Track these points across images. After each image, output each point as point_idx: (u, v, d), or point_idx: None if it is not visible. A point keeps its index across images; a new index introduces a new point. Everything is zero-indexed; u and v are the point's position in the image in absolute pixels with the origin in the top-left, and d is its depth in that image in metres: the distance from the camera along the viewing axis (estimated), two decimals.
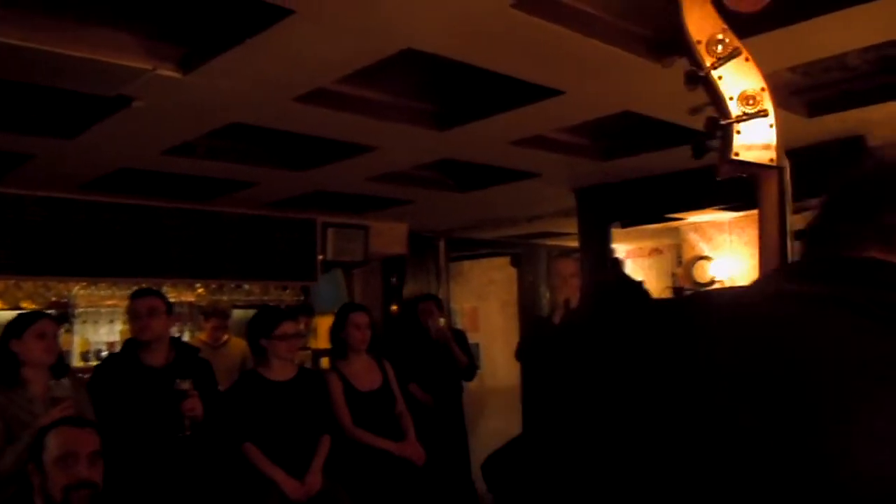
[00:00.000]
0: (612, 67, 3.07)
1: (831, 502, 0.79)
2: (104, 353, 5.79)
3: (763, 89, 1.31)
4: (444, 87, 3.65)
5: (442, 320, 5.65)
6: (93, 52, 2.76)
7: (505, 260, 7.79)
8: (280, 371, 4.07)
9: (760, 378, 0.87)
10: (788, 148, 4.48)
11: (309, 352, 6.31)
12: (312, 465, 3.92)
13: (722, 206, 5.88)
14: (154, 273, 5.44)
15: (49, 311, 5.39)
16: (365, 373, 4.43)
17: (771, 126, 1.30)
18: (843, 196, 1.05)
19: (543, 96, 3.38)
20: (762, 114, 1.29)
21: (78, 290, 5.50)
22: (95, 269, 5.21)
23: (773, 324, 0.91)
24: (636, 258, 7.70)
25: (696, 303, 1.15)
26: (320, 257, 6.15)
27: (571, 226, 5.83)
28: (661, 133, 4.19)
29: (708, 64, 1.29)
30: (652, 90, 3.40)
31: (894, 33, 2.92)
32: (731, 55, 1.30)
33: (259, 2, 2.43)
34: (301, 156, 4.50)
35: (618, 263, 5.73)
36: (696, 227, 6.93)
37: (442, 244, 7.07)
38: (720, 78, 1.29)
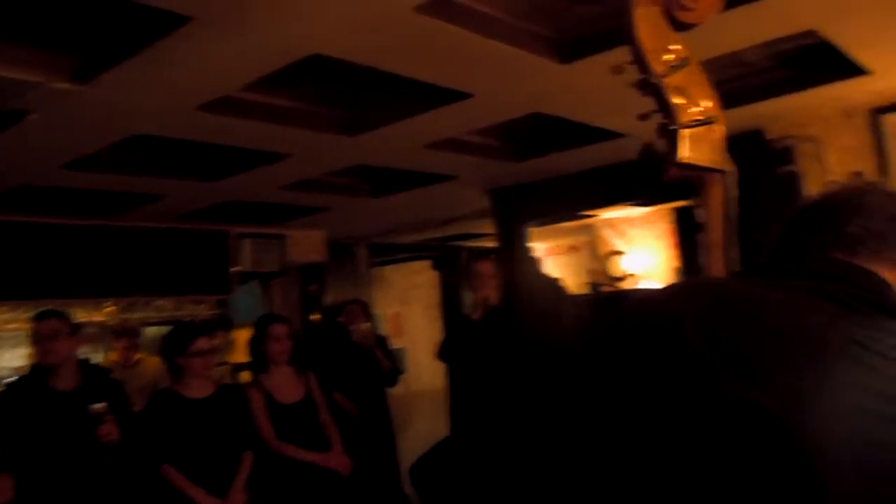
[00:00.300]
0: (520, 70, 3.10)
1: (802, 466, 0.89)
2: (11, 380, 5.53)
3: (709, 97, 1.38)
4: (354, 93, 3.62)
5: (367, 325, 5.61)
6: None
7: (426, 263, 7.80)
8: (197, 388, 3.96)
9: (744, 353, 0.98)
10: None
11: (228, 366, 6.16)
12: (235, 483, 3.83)
13: (633, 202, 6.03)
14: (60, 294, 5.21)
15: None
16: (287, 385, 4.35)
17: (717, 132, 1.37)
18: (809, 213, 1.20)
19: (452, 99, 3.39)
20: (709, 120, 1.36)
21: None
22: None
23: (756, 307, 1.03)
24: (554, 256, 7.81)
25: (679, 293, 1.23)
26: (237, 269, 6.02)
27: (489, 226, 5.87)
28: (572, 133, 4.26)
29: (659, 72, 1.34)
30: (560, 91, 3.45)
31: (786, 29, 3.04)
32: (681, 64, 1.35)
33: (155, 10, 2.35)
34: (210, 166, 4.39)
35: (535, 262, 5.80)
36: (610, 224, 7.08)
37: (361, 250, 7.02)
38: (669, 85, 1.35)
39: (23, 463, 3.15)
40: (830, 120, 4.12)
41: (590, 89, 3.38)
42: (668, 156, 1.35)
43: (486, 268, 4.28)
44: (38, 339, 3.53)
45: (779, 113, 4.08)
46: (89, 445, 3.39)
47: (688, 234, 5.06)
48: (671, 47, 1.36)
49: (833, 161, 4.12)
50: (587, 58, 3.03)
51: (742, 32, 2.99)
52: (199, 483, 3.73)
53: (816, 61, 3.56)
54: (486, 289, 4.20)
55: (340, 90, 3.57)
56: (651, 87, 1.36)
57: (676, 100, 1.35)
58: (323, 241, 6.58)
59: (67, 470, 3.39)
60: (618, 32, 2.95)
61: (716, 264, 1.36)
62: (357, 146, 3.96)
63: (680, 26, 1.40)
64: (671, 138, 1.34)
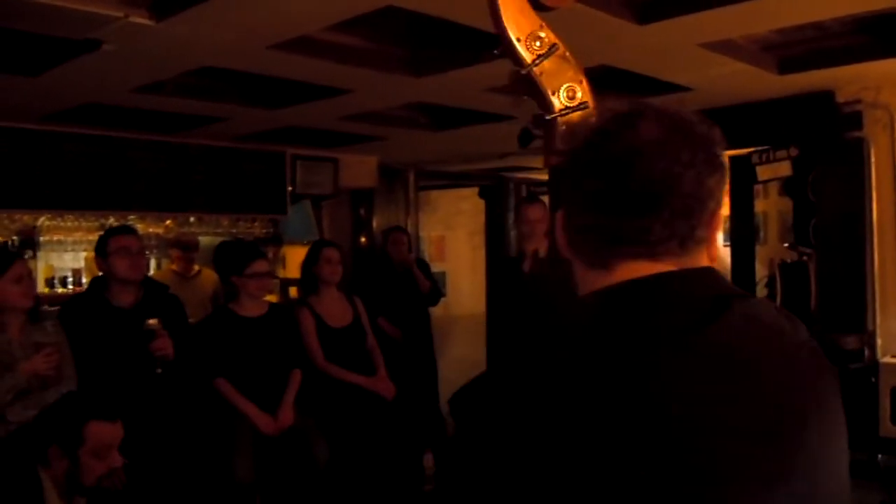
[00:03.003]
0: (593, 28, 3.05)
1: None
2: (69, 279, 5.75)
3: (581, 82, 1.33)
4: (423, 36, 3.60)
5: (405, 247, 5.72)
6: None
7: (473, 190, 7.82)
8: (251, 307, 4.11)
9: None
10: (758, 100, 4.53)
11: (277, 281, 6.34)
12: (284, 400, 3.99)
13: None
14: (121, 206, 5.36)
15: (13, 238, 5.33)
16: (336, 309, 4.48)
17: (592, 116, 1.33)
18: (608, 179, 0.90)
19: None
20: (583, 107, 1.31)
21: (44, 222, 5.40)
22: (60, 202, 5.13)
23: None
24: None
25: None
26: (288, 189, 6.11)
27: (540, 161, 5.84)
28: (637, 84, 4.20)
29: (529, 61, 1.30)
30: (633, 48, 3.41)
31: (873, 4, 2.96)
32: (550, 51, 1.30)
33: None
34: (274, 95, 4.42)
35: None
36: None
37: (411, 176, 7.05)
38: (541, 74, 1.30)
39: (84, 377, 3.28)
40: None
41: (662, 47, 3.34)
42: (549, 146, 1.31)
43: (536, 212, 4.28)
44: (128, 253, 3.57)
45: (852, 76, 3.97)
46: (144, 360, 3.45)
47: (741, 184, 5.01)
48: (539, 34, 1.30)
49: None
50: (663, 21, 2.98)
51: (828, 4, 2.92)
52: (250, 398, 3.91)
53: (893, 29, 3.45)
54: (534, 236, 4.22)
55: (410, 32, 3.55)
56: (522, 79, 1.31)
57: (549, 88, 1.30)
58: (374, 166, 6.61)
59: (125, 383, 3.43)
60: None
61: None
62: (420, 86, 3.96)
63: (541, 9, 1.33)
64: (549, 128, 1.31)
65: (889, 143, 4.04)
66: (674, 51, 3.38)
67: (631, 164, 0.87)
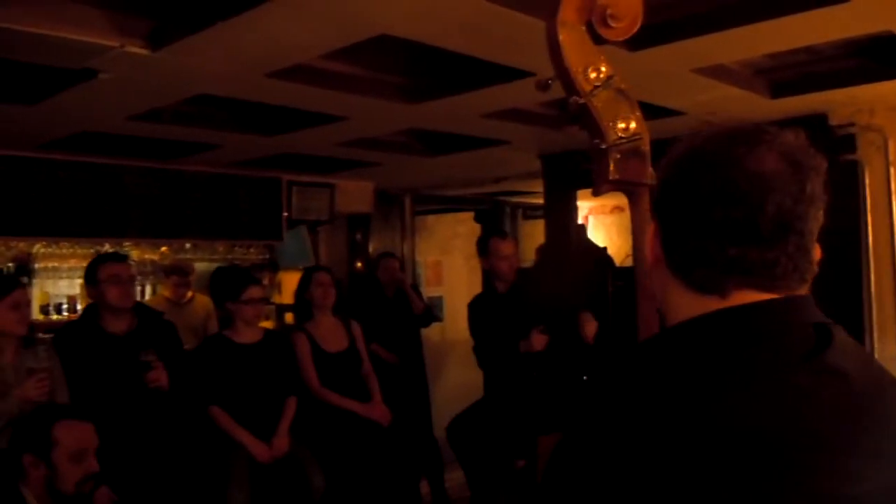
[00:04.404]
0: None
1: None
2: (64, 306, 5.73)
3: (636, 113, 1.34)
4: (418, 63, 3.62)
5: (397, 268, 5.75)
6: (58, 28, 2.69)
7: (469, 215, 7.83)
8: (246, 333, 4.09)
9: None
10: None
11: (273, 307, 6.33)
12: (279, 428, 3.97)
13: None
14: (116, 233, 5.36)
15: (9, 264, 5.32)
16: (331, 334, 4.47)
17: (644, 146, 1.34)
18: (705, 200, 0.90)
19: (516, 77, 3.38)
20: (637, 136, 1.32)
21: (39, 249, 5.40)
22: (56, 229, 5.12)
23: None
24: (598, 215, 7.80)
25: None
26: (284, 215, 6.12)
27: (537, 185, 5.88)
28: None
29: (587, 91, 1.31)
30: (624, 74, 3.43)
31: (863, 29, 2.98)
32: (607, 81, 1.32)
33: None
34: (269, 122, 4.44)
35: (582, 230, 5.81)
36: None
37: (408, 201, 7.07)
38: (597, 104, 1.31)
39: (80, 405, 3.26)
40: None
41: (654, 73, 3.37)
42: (600, 174, 1.33)
43: (508, 247, 4.27)
44: (119, 281, 3.55)
45: (845, 99, 4.00)
46: (139, 391, 3.43)
47: None
48: (596, 66, 1.32)
49: None
50: (655, 47, 3.01)
51: (821, 30, 2.95)
52: (245, 425, 3.88)
53: (886, 52, 3.48)
54: (511, 271, 4.23)
55: (406, 60, 3.57)
56: (579, 108, 1.32)
57: (605, 118, 1.31)
58: (371, 192, 6.63)
59: (118, 412, 3.40)
60: (683, 22, 2.90)
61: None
62: (415, 112, 3.98)
63: (599, 42, 1.35)
64: (602, 158, 1.32)
65: (883, 165, 4.06)
66: (666, 76, 3.41)
67: (762, 198, 0.87)
